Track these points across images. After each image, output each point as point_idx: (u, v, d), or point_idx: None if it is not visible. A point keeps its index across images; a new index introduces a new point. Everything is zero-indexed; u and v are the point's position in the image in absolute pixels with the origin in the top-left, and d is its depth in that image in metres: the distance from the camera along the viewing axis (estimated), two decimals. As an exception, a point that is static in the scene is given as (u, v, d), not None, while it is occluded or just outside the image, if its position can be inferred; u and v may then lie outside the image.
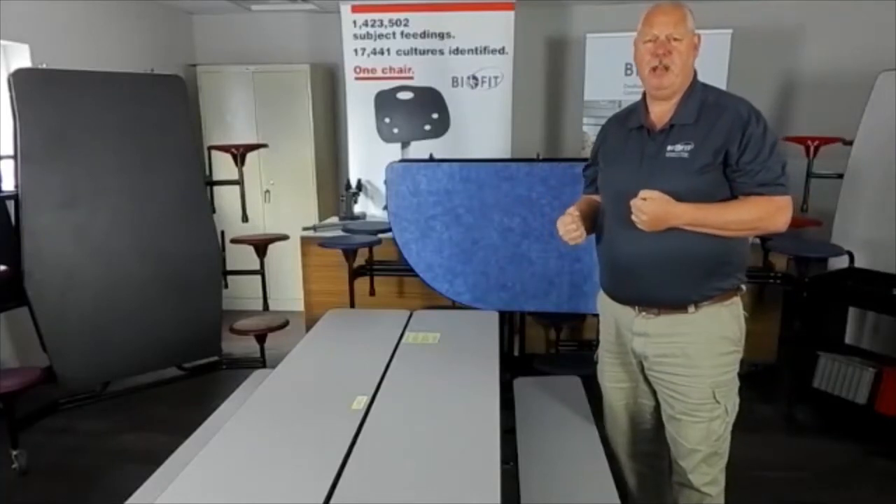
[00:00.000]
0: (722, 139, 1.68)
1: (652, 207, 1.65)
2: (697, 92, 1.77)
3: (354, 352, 2.23)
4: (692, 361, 1.76)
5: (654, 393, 1.92)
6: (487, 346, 2.21)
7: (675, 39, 1.70)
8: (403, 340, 2.27)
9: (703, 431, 1.80)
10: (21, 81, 2.99)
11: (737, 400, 1.85)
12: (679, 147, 1.72)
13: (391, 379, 1.94)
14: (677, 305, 1.77)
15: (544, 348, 3.57)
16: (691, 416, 1.80)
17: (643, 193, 1.66)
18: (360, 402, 1.76)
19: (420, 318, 2.54)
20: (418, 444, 1.57)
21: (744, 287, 1.83)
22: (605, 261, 1.93)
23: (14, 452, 2.82)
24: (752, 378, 3.21)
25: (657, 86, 1.75)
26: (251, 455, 1.53)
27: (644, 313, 1.81)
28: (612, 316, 1.94)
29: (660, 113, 1.79)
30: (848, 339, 3.44)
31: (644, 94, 1.86)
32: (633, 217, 1.69)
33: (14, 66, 3.39)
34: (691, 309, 1.75)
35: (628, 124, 1.86)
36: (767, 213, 1.68)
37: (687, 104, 1.75)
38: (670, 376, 1.80)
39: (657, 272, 1.76)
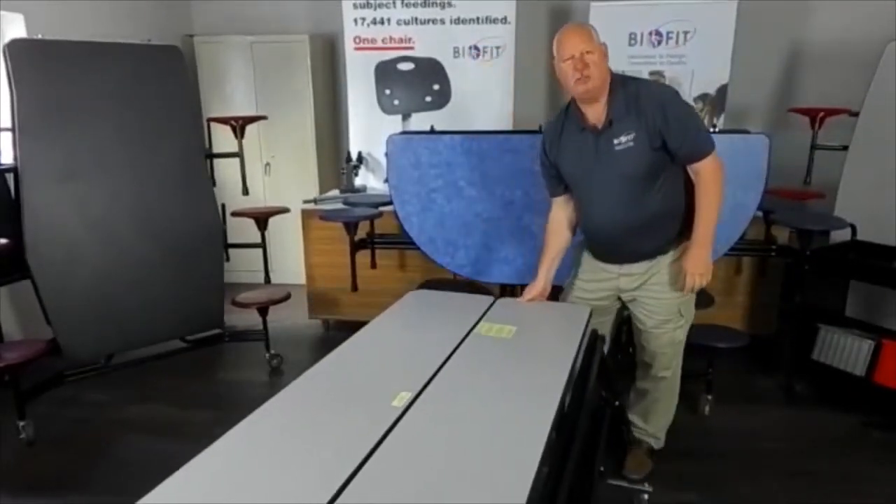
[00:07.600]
0: (654, 124, 2.04)
1: (703, 273, 2.18)
2: (620, 88, 2.09)
3: (417, 340, 2.02)
4: (664, 289, 2.29)
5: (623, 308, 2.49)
6: (565, 347, 1.90)
7: (589, 53, 2.04)
8: (475, 331, 2.04)
9: (669, 338, 2.36)
10: (17, 52, 2.95)
11: (693, 310, 2.39)
12: (623, 139, 2.08)
13: (445, 376, 1.73)
14: (650, 257, 2.27)
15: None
16: (661, 329, 2.34)
17: (697, 274, 2.18)
18: (403, 398, 1.58)
19: (503, 306, 2.30)
20: (451, 453, 1.38)
21: None
22: (590, 238, 2.40)
23: (21, 423, 2.86)
24: (752, 350, 3.24)
25: (584, 91, 2.07)
26: (270, 442, 1.42)
27: (627, 265, 2.31)
28: (596, 265, 2.40)
29: (594, 114, 2.13)
30: (848, 312, 3.44)
31: (572, 101, 2.19)
32: (695, 284, 2.20)
33: (9, 37, 3.34)
34: (660, 256, 2.26)
35: (572, 128, 2.21)
36: (716, 182, 2.11)
37: (615, 102, 2.09)
38: (647, 300, 2.32)
39: (631, 242, 2.24)
